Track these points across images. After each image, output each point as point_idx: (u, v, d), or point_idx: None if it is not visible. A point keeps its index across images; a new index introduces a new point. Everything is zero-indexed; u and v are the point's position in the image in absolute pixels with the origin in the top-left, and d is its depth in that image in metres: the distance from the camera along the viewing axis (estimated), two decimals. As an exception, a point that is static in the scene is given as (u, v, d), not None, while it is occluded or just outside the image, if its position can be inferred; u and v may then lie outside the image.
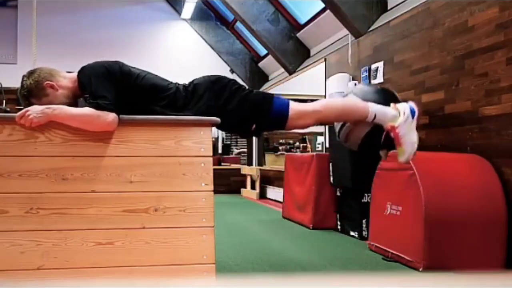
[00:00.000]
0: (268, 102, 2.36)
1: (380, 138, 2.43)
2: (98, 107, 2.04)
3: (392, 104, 2.40)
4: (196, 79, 2.38)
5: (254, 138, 9.63)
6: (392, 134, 2.37)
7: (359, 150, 2.60)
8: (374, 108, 2.36)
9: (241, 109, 2.31)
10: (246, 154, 10.10)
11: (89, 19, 9.12)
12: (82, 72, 2.20)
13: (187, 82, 2.38)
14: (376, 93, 2.51)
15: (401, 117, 2.35)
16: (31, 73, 2.26)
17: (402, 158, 2.42)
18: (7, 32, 8.82)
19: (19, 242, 1.92)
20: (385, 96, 2.49)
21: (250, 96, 2.36)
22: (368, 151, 2.57)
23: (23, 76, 2.26)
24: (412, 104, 2.43)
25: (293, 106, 2.35)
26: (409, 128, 2.38)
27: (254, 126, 2.36)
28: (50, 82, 2.23)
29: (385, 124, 2.37)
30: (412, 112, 2.39)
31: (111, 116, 2.04)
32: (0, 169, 1.96)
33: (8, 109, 3.39)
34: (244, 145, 10.38)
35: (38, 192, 1.97)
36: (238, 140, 10.79)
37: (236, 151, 10.73)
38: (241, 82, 9.12)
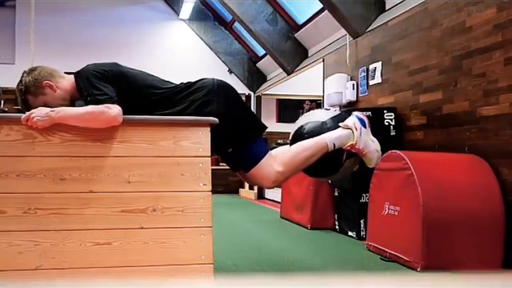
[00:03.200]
0: (258, 135, 2.39)
1: (341, 157, 2.49)
2: (99, 102, 2.04)
3: (341, 124, 2.44)
4: (204, 78, 2.39)
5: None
6: (353, 150, 2.43)
7: (323, 174, 2.64)
8: (331, 139, 2.41)
9: (234, 121, 2.30)
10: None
11: (87, 19, 9.11)
12: (80, 75, 2.20)
13: (192, 81, 2.38)
14: (326, 123, 2.52)
15: (355, 133, 2.42)
16: (32, 70, 2.27)
17: (371, 165, 2.53)
18: (5, 32, 8.80)
19: (17, 242, 1.92)
20: (336, 120, 2.52)
21: (248, 115, 2.40)
22: (333, 170, 2.60)
23: (24, 72, 2.26)
24: (358, 114, 2.49)
25: (264, 161, 2.35)
26: (366, 138, 2.44)
27: (231, 149, 2.36)
28: (49, 82, 2.24)
29: (344, 146, 2.42)
30: (362, 122, 2.45)
31: (116, 110, 2.03)
32: (-2, 169, 1.96)
33: (6, 109, 3.39)
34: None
35: (36, 192, 1.96)
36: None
37: None
38: (240, 82, 9.24)
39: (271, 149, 2.48)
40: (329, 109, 2.61)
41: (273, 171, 2.36)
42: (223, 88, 2.34)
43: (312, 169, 2.51)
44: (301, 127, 2.57)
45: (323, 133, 2.44)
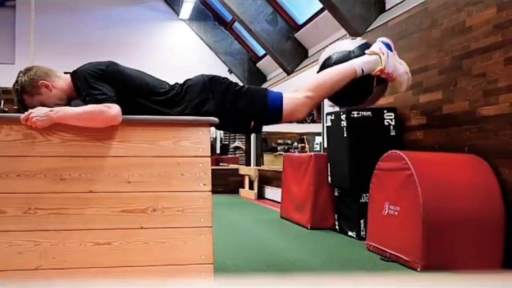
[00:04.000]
0: (263, 97, 2.38)
1: (371, 83, 2.52)
2: (98, 101, 2.04)
3: (367, 51, 2.46)
4: (192, 78, 2.39)
5: (252, 137, 9.63)
6: (383, 76, 2.45)
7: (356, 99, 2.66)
8: (359, 64, 2.44)
9: (237, 106, 2.32)
10: (243, 152, 10.11)
11: (87, 19, 9.11)
12: (76, 75, 2.20)
13: (181, 82, 2.39)
14: (353, 52, 2.54)
15: (382, 57, 2.44)
16: (27, 70, 2.27)
17: (403, 88, 2.57)
18: (5, 32, 8.81)
19: (17, 242, 1.92)
20: (362, 49, 2.54)
21: (245, 92, 2.39)
22: (363, 97, 2.61)
23: (20, 72, 2.26)
24: (382, 39, 2.50)
25: (286, 101, 2.37)
26: (394, 62, 2.47)
27: (253, 123, 2.38)
28: (45, 82, 2.24)
29: (373, 72, 2.44)
30: (388, 46, 2.47)
31: (115, 109, 2.03)
32: (-2, 169, 1.96)
33: (6, 109, 3.39)
34: (242, 139, 10.40)
35: (36, 192, 1.97)
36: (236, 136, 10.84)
37: (232, 145, 10.77)
38: (240, 83, 9.24)
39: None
40: (354, 38, 2.63)
41: (301, 100, 2.38)
42: (214, 82, 2.35)
43: (342, 96, 2.52)
44: (329, 57, 2.59)
45: None
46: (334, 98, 2.54)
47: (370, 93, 2.55)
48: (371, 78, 2.47)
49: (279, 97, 2.37)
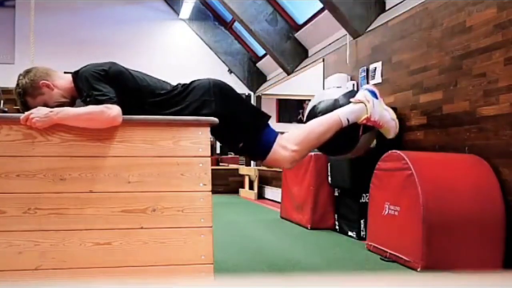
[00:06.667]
0: (262, 124, 2.38)
1: (357, 132, 2.53)
2: (98, 102, 2.04)
3: (352, 100, 2.46)
4: (199, 79, 2.39)
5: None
6: (369, 124, 2.44)
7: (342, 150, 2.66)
8: (344, 114, 2.43)
9: (236, 118, 2.31)
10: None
11: (87, 19, 9.11)
12: (78, 76, 2.21)
13: (188, 82, 2.39)
14: (338, 100, 2.55)
15: (368, 105, 2.43)
16: (27, 72, 2.27)
17: (390, 135, 2.56)
18: (4, 32, 8.80)
19: (16, 242, 1.92)
20: (348, 97, 2.55)
21: (248, 108, 2.39)
22: (350, 147, 2.62)
23: (19, 75, 2.26)
24: (368, 87, 2.50)
25: (276, 146, 2.36)
26: (380, 109, 2.46)
27: (241, 144, 2.37)
28: (46, 82, 2.24)
29: (359, 120, 2.43)
30: (373, 94, 2.47)
31: (115, 110, 2.03)
32: (-2, 169, 1.95)
33: (6, 109, 3.39)
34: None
35: (36, 192, 1.96)
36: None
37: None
38: (239, 82, 9.24)
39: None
40: (340, 87, 2.64)
41: (288, 152, 2.37)
42: (218, 87, 2.35)
43: (328, 147, 2.52)
44: (314, 107, 2.60)
45: None
46: (322, 148, 2.55)
47: (356, 141, 2.56)
48: (357, 127, 2.47)
49: (273, 136, 2.37)
